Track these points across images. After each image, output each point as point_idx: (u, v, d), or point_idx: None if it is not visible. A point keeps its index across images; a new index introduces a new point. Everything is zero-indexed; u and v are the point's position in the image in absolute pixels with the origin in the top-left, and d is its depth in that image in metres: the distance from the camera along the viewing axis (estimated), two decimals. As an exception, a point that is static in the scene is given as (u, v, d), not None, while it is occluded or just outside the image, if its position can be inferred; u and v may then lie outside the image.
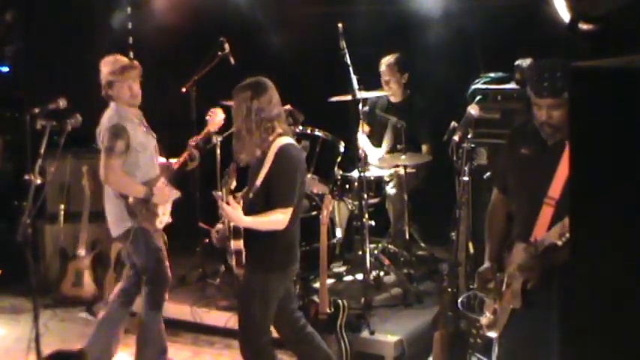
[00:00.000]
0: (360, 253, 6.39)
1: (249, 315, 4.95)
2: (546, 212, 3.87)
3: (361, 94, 6.34)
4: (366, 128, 6.95)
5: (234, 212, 4.69)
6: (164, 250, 5.75)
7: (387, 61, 7.04)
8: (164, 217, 5.69)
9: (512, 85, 6.08)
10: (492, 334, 4.18)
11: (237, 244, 4.79)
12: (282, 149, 4.79)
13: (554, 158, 3.87)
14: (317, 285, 5.86)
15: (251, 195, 4.82)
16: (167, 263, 5.73)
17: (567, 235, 3.60)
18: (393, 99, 7.10)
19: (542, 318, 3.91)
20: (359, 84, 6.36)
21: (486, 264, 4.20)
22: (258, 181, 4.77)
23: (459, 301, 5.69)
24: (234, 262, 4.86)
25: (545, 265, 3.84)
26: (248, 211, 4.77)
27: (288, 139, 4.87)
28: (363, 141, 6.71)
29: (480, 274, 4.18)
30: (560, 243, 3.68)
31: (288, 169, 4.79)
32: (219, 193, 4.86)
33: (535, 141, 3.99)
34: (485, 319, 4.14)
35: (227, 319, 6.27)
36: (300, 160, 4.91)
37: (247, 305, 4.97)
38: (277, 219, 4.74)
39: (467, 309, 4.92)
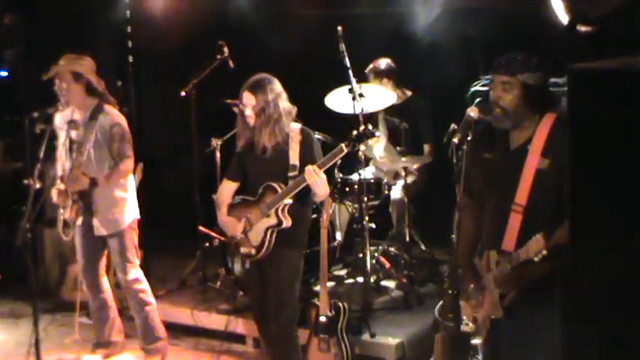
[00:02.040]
0: (361, 255, 6.38)
1: (293, 292, 5.21)
2: (515, 219, 3.81)
3: (360, 100, 6.27)
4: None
5: (325, 180, 4.97)
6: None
7: (369, 70, 6.96)
8: (65, 211, 5.85)
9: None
10: (476, 342, 4.15)
11: (288, 222, 5.08)
12: (303, 129, 5.19)
13: (517, 163, 3.83)
14: (317, 288, 5.85)
15: (292, 174, 5.05)
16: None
17: (544, 252, 3.58)
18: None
19: (524, 325, 3.88)
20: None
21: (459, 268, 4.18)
22: (294, 160, 5.06)
23: (436, 308, 5.74)
24: (266, 246, 5.08)
25: (522, 278, 3.80)
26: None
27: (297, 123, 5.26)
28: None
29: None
30: (536, 259, 3.62)
31: (318, 144, 5.22)
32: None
33: (498, 145, 3.94)
34: (467, 327, 4.11)
35: (227, 323, 6.27)
36: None
37: (291, 282, 5.19)
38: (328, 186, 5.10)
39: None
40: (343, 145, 4.90)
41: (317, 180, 4.91)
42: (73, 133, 5.77)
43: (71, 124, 5.77)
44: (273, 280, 5.18)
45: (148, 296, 5.98)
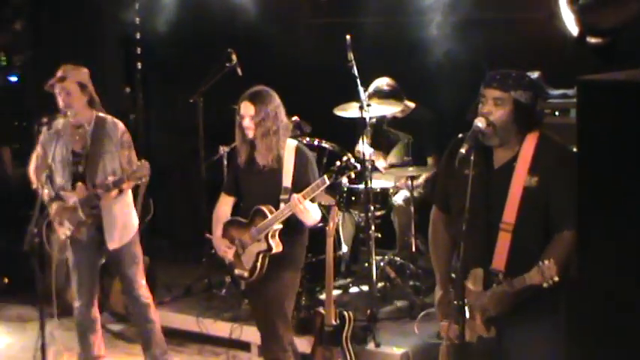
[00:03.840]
0: (366, 265, 6.38)
1: (284, 313, 5.10)
2: (504, 238, 3.77)
3: (367, 110, 6.26)
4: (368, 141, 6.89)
5: (314, 208, 4.98)
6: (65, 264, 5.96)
7: (371, 93, 6.76)
8: (63, 228, 5.69)
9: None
10: None
11: (278, 247, 5.02)
12: (299, 147, 5.09)
13: (503, 181, 3.79)
14: (323, 296, 5.85)
15: (284, 196, 4.98)
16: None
17: (555, 278, 3.53)
18: (397, 114, 7.03)
19: (511, 338, 3.86)
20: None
21: (439, 292, 4.12)
22: (287, 182, 4.98)
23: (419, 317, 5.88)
24: (258, 269, 5.00)
25: (518, 301, 3.77)
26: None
27: (293, 140, 5.18)
28: (366, 150, 6.63)
29: (439, 305, 4.10)
30: (545, 285, 3.57)
31: (313, 164, 5.12)
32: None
33: (480, 162, 3.85)
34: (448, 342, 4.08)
35: (232, 330, 6.26)
36: None
37: (282, 304, 5.09)
38: (319, 212, 5.09)
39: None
40: (325, 177, 4.86)
41: (302, 209, 4.89)
42: (74, 145, 5.61)
43: (42, 124, 5.58)
44: (263, 301, 5.14)
45: (154, 307, 5.88)
